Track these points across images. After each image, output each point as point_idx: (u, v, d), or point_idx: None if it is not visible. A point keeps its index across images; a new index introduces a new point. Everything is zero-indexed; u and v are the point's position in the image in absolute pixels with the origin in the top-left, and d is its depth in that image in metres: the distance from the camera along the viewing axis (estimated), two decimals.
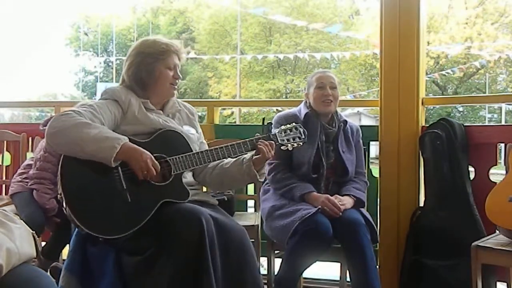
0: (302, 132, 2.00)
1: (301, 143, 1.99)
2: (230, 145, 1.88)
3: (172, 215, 1.67)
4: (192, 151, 1.86)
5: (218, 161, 1.94)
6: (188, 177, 1.93)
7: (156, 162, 1.73)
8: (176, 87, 1.97)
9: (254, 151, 1.89)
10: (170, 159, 1.79)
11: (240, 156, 1.92)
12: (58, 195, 1.69)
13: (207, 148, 2.00)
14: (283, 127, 1.98)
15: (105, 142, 1.65)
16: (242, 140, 1.90)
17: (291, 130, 1.98)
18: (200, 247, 1.60)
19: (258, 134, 1.94)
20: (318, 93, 2.33)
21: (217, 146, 1.88)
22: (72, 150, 1.67)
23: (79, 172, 1.69)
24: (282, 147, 1.96)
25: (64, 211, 1.69)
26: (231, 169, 1.93)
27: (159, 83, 1.92)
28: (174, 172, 1.79)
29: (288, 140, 1.96)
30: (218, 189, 2.03)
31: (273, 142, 1.91)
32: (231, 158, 1.93)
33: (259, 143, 1.88)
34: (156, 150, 1.78)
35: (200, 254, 1.60)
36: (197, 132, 2.06)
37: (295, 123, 2.02)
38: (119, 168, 1.70)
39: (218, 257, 1.66)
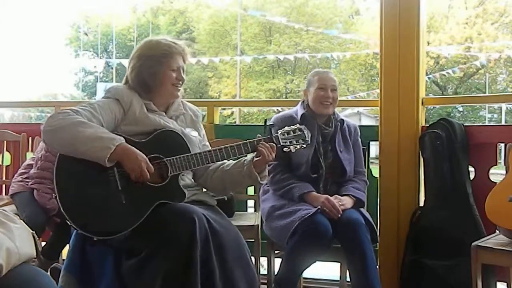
0: (306, 134, 1.93)
1: (304, 145, 1.94)
2: (230, 147, 1.85)
3: (165, 214, 1.68)
4: (190, 152, 1.84)
5: (218, 164, 1.93)
6: (187, 179, 1.92)
7: (151, 165, 1.72)
8: (179, 88, 1.95)
9: (255, 153, 1.87)
10: (167, 160, 1.78)
11: (241, 158, 1.90)
12: (53, 194, 1.68)
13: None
14: (286, 128, 1.93)
15: (100, 142, 1.65)
16: (243, 142, 1.87)
17: (294, 132, 1.92)
18: (190, 245, 1.60)
19: (260, 135, 1.90)
20: (319, 94, 2.33)
21: (216, 148, 1.86)
22: (66, 149, 1.68)
23: (74, 171, 1.69)
24: (284, 149, 1.91)
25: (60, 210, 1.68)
26: (232, 171, 1.91)
27: (163, 85, 1.90)
28: (171, 173, 1.78)
29: (290, 142, 1.91)
30: (221, 193, 2.01)
31: (274, 144, 1.88)
32: (231, 160, 1.91)
33: (259, 145, 1.85)
34: (153, 150, 1.77)
35: (190, 252, 1.60)
36: (199, 134, 2.04)
37: (299, 125, 1.97)
38: (115, 168, 1.69)
39: (214, 256, 1.66)
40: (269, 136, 1.91)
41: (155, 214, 1.70)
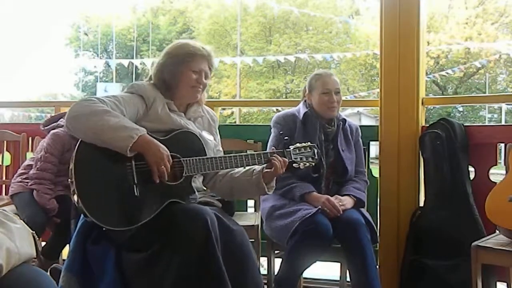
0: (315, 153, 1.99)
1: (313, 163, 1.99)
2: (244, 155, 1.88)
3: (177, 214, 1.67)
4: (206, 155, 1.86)
5: (228, 170, 1.95)
6: (197, 182, 1.93)
7: (171, 159, 1.73)
8: (199, 90, 1.95)
9: (266, 164, 1.90)
10: (183, 160, 1.79)
11: (250, 167, 1.92)
12: (68, 180, 1.68)
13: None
14: (298, 144, 1.98)
15: (123, 131, 1.66)
16: (257, 152, 1.91)
17: (305, 149, 1.98)
18: (208, 246, 1.60)
19: (274, 148, 1.95)
20: (324, 99, 2.32)
21: (231, 155, 1.88)
22: (89, 136, 1.68)
23: (93, 160, 1.70)
24: (294, 165, 1.95)
25: (72, 197, 1.69)
26: (240, 178, 1.93)
27: (181, 85, 1.92)
28: (186, 173, 1.79)
29: (301, 158, 1.96)
30: (226, 197, 2.03)
31: (286, 159, 1.91)
32: (243, 168, 1.93)
33: (273, 157, 1.88)
34: (172, 149, 1.77)
35: (208, 253, 1.60)
36: (215, 139, 2.06)
37: (311, 143, 2.01)
38: (133, 161, 1.70)
39: (220, 256, 1.65)
40: (282, 150, 1.94)
41: (166, 212, 1.70)
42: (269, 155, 1.90)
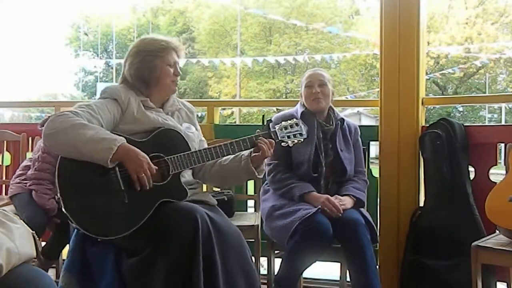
0: (303, 128, 1.96)
1: (301, 139, 1.96)
2: (229, 143, 1.86)
3: (167, 213, 1.68)
4: (190, 149, 1.85)
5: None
6: (187, 176, 1.93)
7: (152, 164, 1.72)
8: (176, 83, 1.98)
9: (253, 148, 1.88)
10: (168, 159, 1.79)
11: (238, 153, 1.91)
12: (56, 196, 1.69)
13: (206, 145, 1.99)
14: (283, 123, 1.95)
15: (102, 143, 1.65)
16: (242, 138, 1.88)
17: (291, 126, 1.95)
18: (194, 243, 1.60)
19: (259, 130, 1.92)
20: (308, 91, 2.35)
21: (216, 145, 1.87)
22: (68, 151, 1.68)
23: (76, 173, 1.69)
24: (282, 144, 1.93)
25: (63, 211, 1.68)
26: (229, 166, 1.93)
27: (161, 80, 1.93)
28: (172, 171, 1.78)
29: (288, 136, 1.93)
30: (218, 185, 2.03)
31: (273, 140, 1.89)
32: (230, 156, 1.92)
33: (258, 140, 1.87)
34: (154, 149, 1.77)
35: (193, 250, 1.60)
36: (196, 129, 2.06)
37: (296, 119, 1.99)
38: (117, 168, 1.69)
39: (217, 254, 1.66)
40: (267, 131, 1.92)
41: (157, 212, 1.70)
42: (254, 139, 1.88)
